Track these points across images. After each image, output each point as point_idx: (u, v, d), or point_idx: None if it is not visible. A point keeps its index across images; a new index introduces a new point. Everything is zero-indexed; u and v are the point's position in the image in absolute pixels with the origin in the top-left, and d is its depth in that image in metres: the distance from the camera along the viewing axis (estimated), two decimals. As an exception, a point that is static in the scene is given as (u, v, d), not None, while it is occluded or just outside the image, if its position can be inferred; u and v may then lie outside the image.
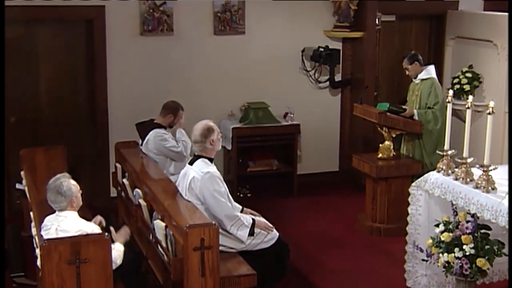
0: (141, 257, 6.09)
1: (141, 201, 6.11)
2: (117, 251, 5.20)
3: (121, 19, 8.29)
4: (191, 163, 5.93)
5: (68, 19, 8.18)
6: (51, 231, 5.04)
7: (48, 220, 5.18)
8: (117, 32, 8.30)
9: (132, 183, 6.69)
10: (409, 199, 6.10)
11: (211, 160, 5.90)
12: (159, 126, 7.24)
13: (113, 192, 7.86)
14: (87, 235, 4.92)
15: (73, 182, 5.22)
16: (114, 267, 4.98)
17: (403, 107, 7.85)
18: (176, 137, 7.24)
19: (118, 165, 7.28)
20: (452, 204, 5.61)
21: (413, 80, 7.98)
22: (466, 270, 5.40)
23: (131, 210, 6.56)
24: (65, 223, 5.06)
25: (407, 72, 7.95)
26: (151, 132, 7.18)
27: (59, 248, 4.70)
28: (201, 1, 8.59)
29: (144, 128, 7.33)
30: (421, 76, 7.86)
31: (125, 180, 6.89)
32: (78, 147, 8.42)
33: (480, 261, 5.35)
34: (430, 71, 7.89)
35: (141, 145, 7.30)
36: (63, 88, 8.38)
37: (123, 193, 7.03)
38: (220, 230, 5.37)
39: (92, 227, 5.12)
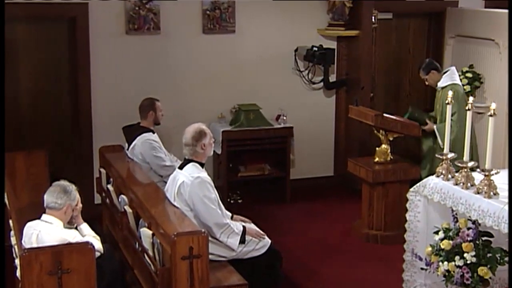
0: (127, 266, 6.07)
1: (127, 208, 6.10)
2: (93, 237, 5.25)
3: (105, 17, 8.27)
4: (181, 167, 5.93)
5: (49, 17, 8.16)
6: (32, 238, 5.03)
7: (30, 226, 5.17)
8: (101, 31, 8.28)
9: (117, 189, 6.67)
10: (407, 205, 6.10)
11: (202, 165, 5.91)
12: (147, 129, 7.23)
13: (97, 199, 7.83)
14: (69, 244, 4.90)
15: (78, 196, 5.35)
16: (97, 254, 5.01)
17: (427, 120, 7.89)
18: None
19: (102, 170, 7.26)
20: (452, 210, 5.61)
21: (436, 88, 8.01)
22: (467, 280, 5.40)
23: (116, 218, 6.54)
24: (47, 231, 5.04)
25: (426, 83, 7.99)
26: (138, 137, 7.18)
27: (40, 258, 4.68)
28: (189, -2, 8.61)
29: (131, 132, 7.32)
30: (441, 84, 7.87)
31: (109, 186, 6.87)
32: (60, 152, 8.40)
33: (482, 270, 5.35)
34: (449, 77, 7.87)
35: (127, 149, 7.29)
36: (44, 90, 8.35)
37: (107, 200, 7.00)
38: (210, 238, 5.36)
39: (74, 235, 5.10)
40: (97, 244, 5.25)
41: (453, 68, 8.07)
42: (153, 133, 7.29)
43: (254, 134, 8.67)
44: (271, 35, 9.03)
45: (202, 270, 5.02)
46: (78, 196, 5.32)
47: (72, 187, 5.29)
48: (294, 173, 9.09)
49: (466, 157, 5.60)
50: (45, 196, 5.22)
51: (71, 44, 8.32)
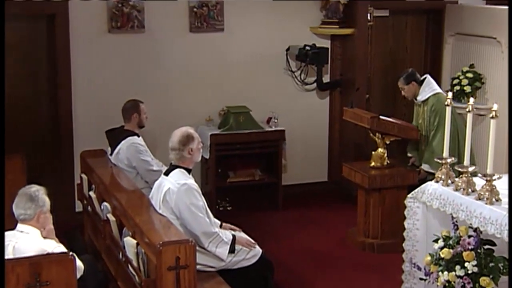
0: (110, 278, 6.05)
1: (110, 216, 6.09)
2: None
3: (86, 15, 8.26)
4: (166, 173, 5.92)
5: (27, 14, 8.13)
6: (8, 249, 4.99)
7: (5, 236, 5.13)
8: (82, 29, 8.27)
9: (100, 196, 6.66)
10: (405, 212, 6.11)
11: (189, 171, 5.90)
12: (132, 133, 7.22)
13: (78, 206, 7.82)
14: (49, 254, 4.87)
15: (48, 199, 5.22)
16: (79, 275, 4.96)
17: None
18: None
19: (84, 176, 7.24)
20: (453, 218, 5.61)
21: (415, 100, 7.96)
22: (468, 290, 5.42)
23: (98, 226, 6.52)
24: (24, 241, 5.01)
25: (403, 93, 7.96)
26: (123, 141, 7.17)
27: (17, 270, 4.65)
28: (175, -5, 8.61)
29: (115, 136, 7.31)
30: (421, 98, 7.84)
31: (91, 193, 6.85)
32: (39, 157, 8.37)
33: (484, 280, 5.35)
34: (428, 87, 7.83)
35: (111, 154, 7.27)
36: (22, 91, 8.32)
37: (89, 207, 6.99)
38: (198, 247, 5.36)
39: (54, 246, 5.08)
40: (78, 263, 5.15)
41: (428, 76, 8.01)
42: (138, 136, 7.28)
43: (244, 137, 8.66)
44: (262, 34, 9.03)
45: (190, 281, 5.01)
46: (47, 199, 5.22)
47: (39, 192, 5.17)
48: (286, 179, 9.10)
49: (466, 161, 5.61)
50: (14, 208, 5.15)
51: (50, 43, 8.29)
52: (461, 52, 9.32)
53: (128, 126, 7.29)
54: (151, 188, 6.25)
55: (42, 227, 5.21)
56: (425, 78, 7.96)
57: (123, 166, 7.11)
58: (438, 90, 7.89)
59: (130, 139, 7.18)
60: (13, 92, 8.27)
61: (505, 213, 5.10)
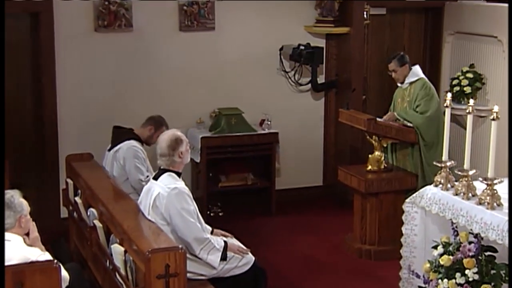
0: (96, 287, 6.04)
1: (96, 222, 6.08)
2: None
3: (72, 13, 8.25)
4: (155, 178, 5.92)
5: (10, 12, 8.10)
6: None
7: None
8: (67, 28, 8.26)
9: (86, 202, 6.65)
10: (403, 217, 6.12)
11: (179, 174, 5.91)
12: (137, 138, 7.25)
13: (64, 213, 7.80)
14: (32, 263, 4.85)
15: (25, 201, 5.18)
16: (64, 285, 4.94)
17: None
18: None
19: (69, 180, 7.23)
20: (452, 223, 5.62)
21: (399, 85, 8.02)
22: (469, 298, 5.43)
23: (84, 233, 6.51)
24: (7, 249, 4.99)
25: (393, 75, 7.99)
26: (127, 141, 7.19)
27: None
28: (164, -8, 8.61)
29: (120, 134, 7.33)
30: (409, 79, 7.91)
31: (77, 198, 6.85)
32: (22, 161, 8.35)
33: (485, 288, 5.37)
34: (418, 72, 7.97)
35: (109, 150, 7.27)
36: (4, 93, 8.28)
37: (75, 213, 6.98)
38: (188, 255, 5.36)
39: (37, 254, 5.06)
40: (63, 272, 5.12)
41: (417, 65, 8.12)
42: (142, 144, 7.29)
43: (236, 140, 8.66)
44: (254, 33, 9.04)
45: (180, 290, 5.01)
46: (24, 201, 5.19)
47: (14, 197, 5.11)
48: (279, 183, 9.10)
49: (466, 164, 5.62)
50: None
51: (34, 43, 8.28)
52: (461, 51, 9.35)
53: (138, 131, 7.31)
54: (139, 194, 6.24)
55: (25, 232, 5.19)
56: (414, 64, 8.10)
57: (116, 165, 7.11)
58: (424, 76, 7.99)
59: (134, 142, 7.21)
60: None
61: (507, 218, 5.11)
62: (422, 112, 7.75)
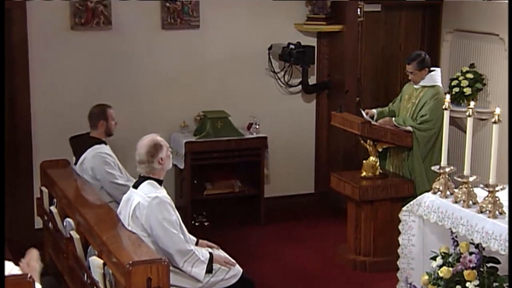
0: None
1: (73, 233, 6.07)
2: None
3: (46, 10, 8.24)
4: (135, 186, 5.91)
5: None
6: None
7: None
8: (41, 26, 8.25)
9: (62, 211, 6.64)
10: (400, 226, 6.12)
11: (160, 182, 5.90)
12: (98, 141, 7.20)
13: (38, 223, 7.77)
14: (5, 277, 4.83)
15: None
16: None
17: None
18: None
19: (44, 189, 7.21)
20: (452, 233, 5.64)
21: (413, 84, 7.96)
22: (470, 313, 5.44)
23: (60, 245, 6.50)
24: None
25: (410, 76, 7.92)
26: (89, 150, 7.15)
27: (-31, 295, 4.62)
28: (145, -12, 8.61)
29: (80, 143, 7.28)
30: (425, 82, 7.85)
31: (53, 208, 6.83)
32: (-6, 168, 8.32)
33: (487, 301, 5.38)
34: (435, 78, 7.85)
35: (75, 164, 7.24)
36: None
37: (50, 224, 6.97)
38: (171, 268, 5.35)
39: (11, 267, 5.04)
40: None
41: (438, 69, 8.05)
42: (106, 145, 7.26)
43: (222, 145, 8.66)
44: (241, 31, 9.04)
45: (162, 306, 5.00)
46: None
47: None
48: (268, 191, 9.10)
49: (467, 170, 5.62)
50: None
51: (6, 41, 8.24)
52: (461, 50, 9.38)
53: (94, 134, 7.26)
54: (118, 203, 6.22)
55: None
56: (435, 66, 8.10)
57: (87, 177, 7.08)
58: (441, 85, 7.92)
59: (97, 147, 7.16)
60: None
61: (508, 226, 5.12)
62: (422, 123, 7.68)
